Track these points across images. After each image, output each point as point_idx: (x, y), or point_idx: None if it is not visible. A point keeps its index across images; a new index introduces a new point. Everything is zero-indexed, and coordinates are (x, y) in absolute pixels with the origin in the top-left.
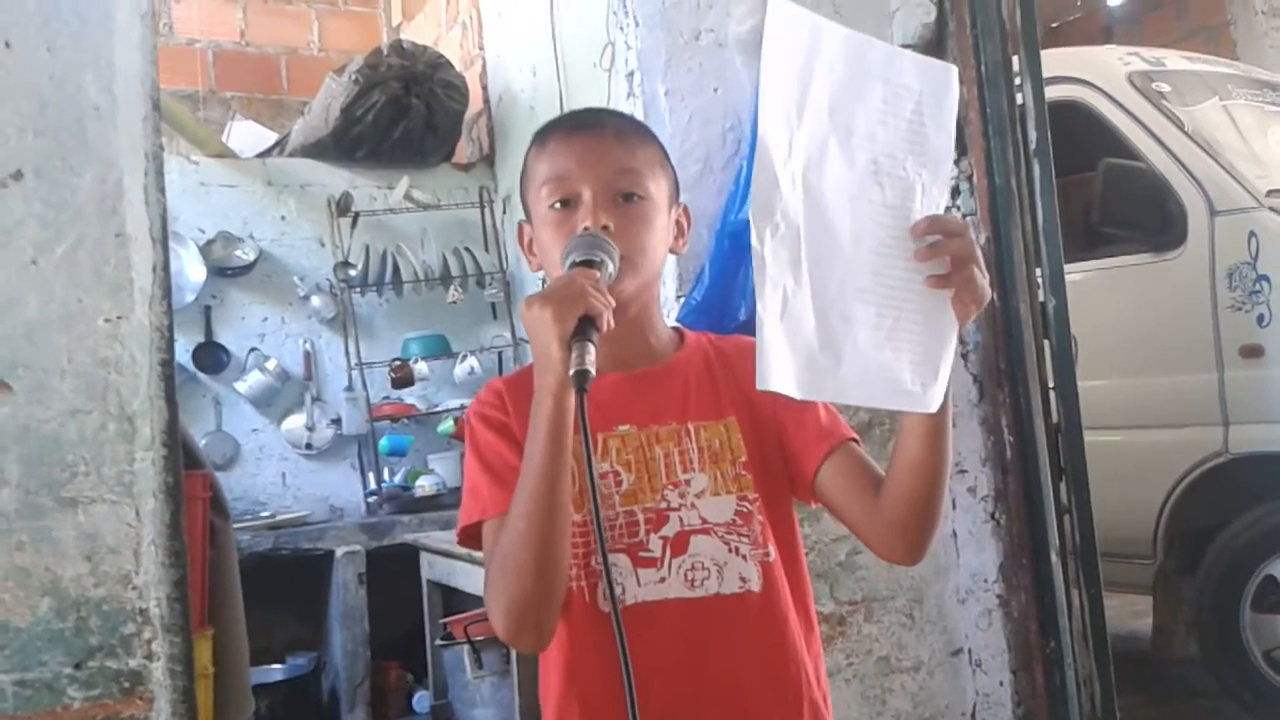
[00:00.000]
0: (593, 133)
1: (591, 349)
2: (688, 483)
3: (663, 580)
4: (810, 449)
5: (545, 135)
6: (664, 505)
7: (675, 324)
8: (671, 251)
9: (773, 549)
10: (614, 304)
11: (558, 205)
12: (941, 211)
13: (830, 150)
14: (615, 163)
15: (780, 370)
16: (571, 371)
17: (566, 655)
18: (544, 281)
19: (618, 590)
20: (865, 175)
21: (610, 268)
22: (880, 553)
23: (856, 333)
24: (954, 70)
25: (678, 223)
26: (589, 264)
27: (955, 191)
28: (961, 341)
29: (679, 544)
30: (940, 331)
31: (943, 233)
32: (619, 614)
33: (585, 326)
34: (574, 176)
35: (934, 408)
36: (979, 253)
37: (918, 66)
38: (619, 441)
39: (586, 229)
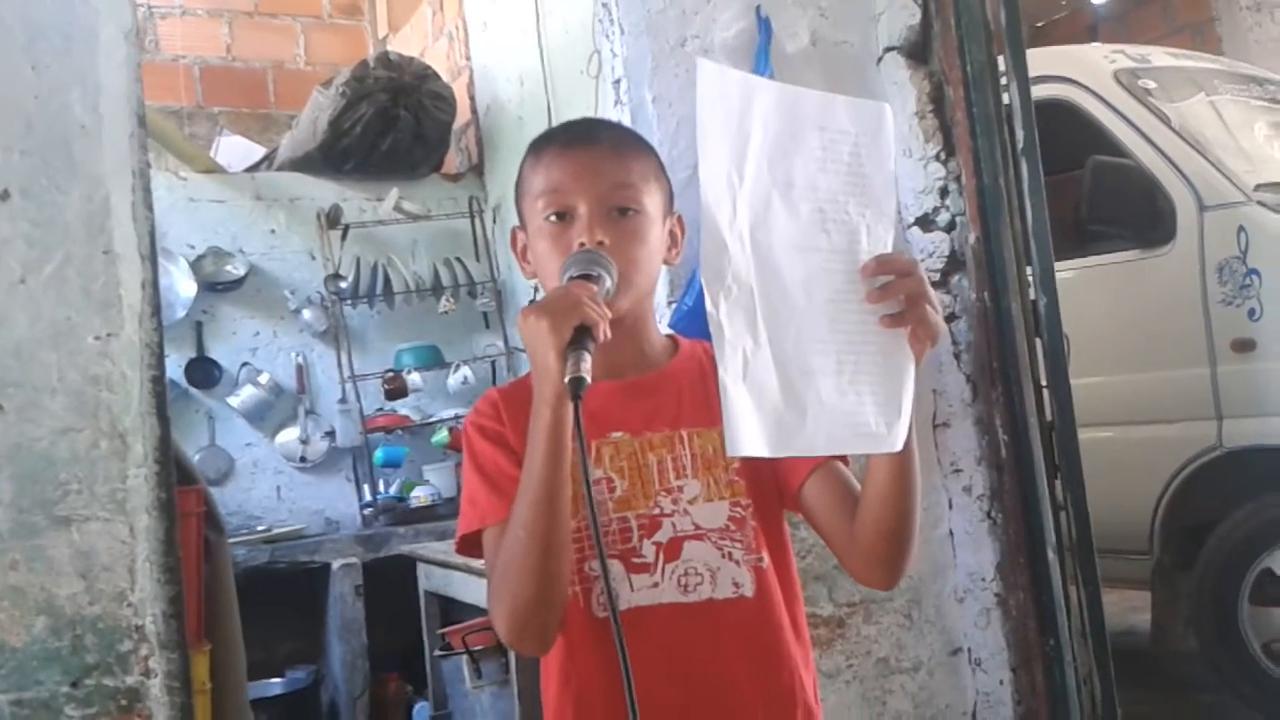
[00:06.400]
0: (588, 146)
1: (587, 357)
2: (680, 489)
3: (656, 585)
4: (798, 462)
5: (541, 147)
6: (657, 511)
7: (669, 332)
8: (665, 263)
9: (766, 555)
10: (610, 315)
11: (553, 218)
12: (889, 249)
13: (774, 205)
14: (610, 177)
15: (749, 434)
16: (566, 379)
17: (562, 659)
18: (536, 290)
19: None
20: (811, 225)
21: (608, 283)
22: (855, 576)
23: (819, 384)
24: (887, 108)
25: (671, 233)
26: (586, 278)
27: (944, 192)
28: (954, 341)
29: (672, 549)
30: (899, 370)
31: (893, 272)
32: (618, 618)
33: (582, 336)
34: (569, 190)
35: (899, 446)
36: (930, 289)
37: (850, 110)
38: (612, 448)
39: (583, 244)
